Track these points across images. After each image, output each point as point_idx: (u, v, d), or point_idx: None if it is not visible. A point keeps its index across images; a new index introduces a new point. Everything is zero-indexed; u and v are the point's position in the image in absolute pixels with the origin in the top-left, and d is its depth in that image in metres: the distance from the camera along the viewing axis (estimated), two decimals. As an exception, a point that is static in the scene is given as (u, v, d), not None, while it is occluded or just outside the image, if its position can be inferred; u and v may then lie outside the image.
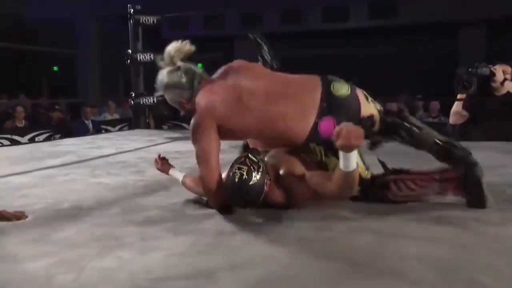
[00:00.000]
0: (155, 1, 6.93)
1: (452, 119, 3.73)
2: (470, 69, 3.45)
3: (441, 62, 9.79)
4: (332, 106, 1.92)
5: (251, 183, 1.75)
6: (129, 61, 5.96)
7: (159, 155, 2.43)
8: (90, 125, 7.73)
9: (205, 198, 2.05)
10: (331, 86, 1.96)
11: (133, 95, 6.05)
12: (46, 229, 1.80)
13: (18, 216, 1.91)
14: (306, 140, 1.94)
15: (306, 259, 1.47)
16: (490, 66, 3.53)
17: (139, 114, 6.24)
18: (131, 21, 5.97)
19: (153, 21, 6.08)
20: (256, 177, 1.76)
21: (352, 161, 1.68)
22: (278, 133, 1.95)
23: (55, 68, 14.32)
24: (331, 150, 1.90)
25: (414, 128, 2.01)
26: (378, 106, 2.06)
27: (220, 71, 2.11)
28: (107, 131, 7.20)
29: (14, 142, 5.81)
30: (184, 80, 2.02)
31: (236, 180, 1.76)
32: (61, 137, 6.11)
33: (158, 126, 7.15)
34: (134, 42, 6.00)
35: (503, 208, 1.91)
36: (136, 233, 1.74)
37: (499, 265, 1.39)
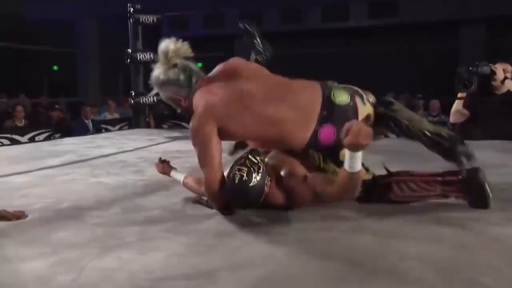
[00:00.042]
0: (155, 0, 6.93)
1: (452, 118, 3.73)
2: (470, 68, 3.45)
3: (441, 61, 9.80)
4: (332, 114, 1.91)
5: (251, 184, 1.74)
6: (129, 60, 5.95)
7: (160, 158, 2.42)
8: (90, 125, 7.73)
9: (205, 198, 2.05)
10: (332, 93, 1.95)
11: (133, 94, 6.05)
12: (46, 229, 1.80)
13: (18, 215, 1.91)
14: (306, 147, 1.92)
15: (306, 259, 1.47)
16: (491, 64, 3.53)
17: (139, 114, 6.23)
18: (131, 20, 5.97)
19: (153, 20, 6.07)
20: (256, 178, 1.75)
21: (357, 162, 1.67)
22: (277, 138, 1.94)
23: (55, 68, 14.33)
24: (330, 156, 1.91)
25: (404, 120, 2.02)
26: (372, 99, 2.05)
27: (217, 69, 2.09)
28: (107, 130, 7.19)
29: (14, 142, 5.81)
30: (182, 77, 1.99)
31: (236, 181, 1.75)
32: (61, 137, 6.11)
33: (158, 126, 7.14)
34: (134, 41, 6.00)
35: (504, 208, 1.90)
36: (136, 233, 1.74)
37: (499, 265, 1.39)
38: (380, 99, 2.08)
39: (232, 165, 1.83)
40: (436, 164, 2.25)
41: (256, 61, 3.50)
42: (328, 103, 1.93)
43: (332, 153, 1.91)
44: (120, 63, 6.76)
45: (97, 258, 1.49)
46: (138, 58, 5.94)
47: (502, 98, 3.54)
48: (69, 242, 1.66)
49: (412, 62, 10.50)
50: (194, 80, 2.00)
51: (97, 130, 7.32)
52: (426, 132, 1.99)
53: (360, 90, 2.05)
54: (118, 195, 2.35)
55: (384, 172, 2.03)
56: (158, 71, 2.02)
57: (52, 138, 6.28)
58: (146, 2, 6.17)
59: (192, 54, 2.01)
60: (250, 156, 1.81)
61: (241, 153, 2.01)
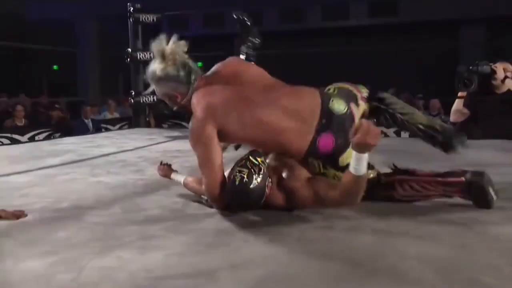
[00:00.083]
0: (155, -1, 6.93)
1: (452, 117, 3.72)
2: (471, 67, 3.45)
3: (441, 60, 9.80)
4: (331, 123, 1.91)
5: (251, 186, 1.74)
6: (129, 59, 5.95)
7: (161, 162, 2.43)
8: (90, 124, 7.73)
9: (205, 197, 2.05)
10: (330, 102, 1.94)
11: (133, 93, 6.05)
12: (46, 228, 1.80)
13: (18, 215, 1.90)
14: (305, 155, 1.92)
15: (306, 259, 1.47)
16: (491, 64, 3.52)
17: (139, 113, 6.23)
18: (131, 20, 5.96)
19: (153, 20, 6.07)
20: (257, 180, 1.74)
21: (363, 164, 1.67)
22: (276, 145, 1.92)
23: (55, 67, 14.33)
24: (329, 163, 1.91)
25: (398, 114, 2.05)
26: (365, 93, 2.06)
27: (216, 70, 2.05)
28: (107, 130, 7.20)
29: (14, 141, 5.81)
30: (182, 73, 1.95)
31: (237, 183, 1.74)
32: (61, 136, 6.11)
33: (158, 125, 7.15)
34: (134, 40, 5.99)
35: (504, 207, 1.90)
36: (136, 232, 1.74)
37: (500, 264, 1.38)
38: (373, 94, 2.09)
39: (233, 166, 1.81)
40: (436, 164, 2.25)
41: (247, 57, 3.50)
42: (327, 112, 1.92)
43: (331, 159, 1.91)
44: (120, 62, 6.76)
45: (97, 258, 1.49)
46: (138, 57, 5.94)
47: (502, 97, 3.54)
48: (69, 241, 1.66)
49: (412, 61, 10.51)
50: (193, 77, 1.97)
51: (97, 129, 7.32)
52: (420, 126, 2.05)
53: (354, 89, 2.05)
54: (118, 194, 2.35)
55: (386, 170, 2.03)
56: (156, 66, 1.96)
57: (52, 137, 6.29)
58: (146, 1, 6.16)
59: (186, 55, 1.97)
60: (251, 158, 1.80)
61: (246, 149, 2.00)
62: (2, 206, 1.93)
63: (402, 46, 10.81)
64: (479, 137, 3.58)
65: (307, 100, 1.96)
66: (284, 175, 1.91)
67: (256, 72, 2.06)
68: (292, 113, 1.90)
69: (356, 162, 1.68)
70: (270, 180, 1.82)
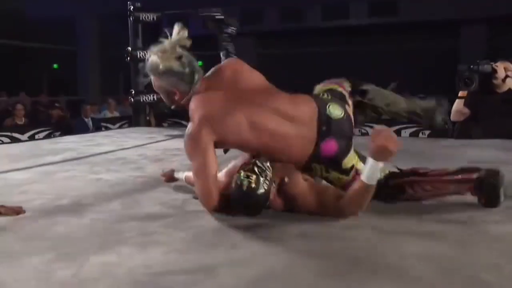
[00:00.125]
0: (155, -2, 6.92)
1: (453, 117, 3.72)
2: (471, 66, 3.44)
3: (442, 60, 9.80)
4: (331, 129, 1.89)
5: (259, 192, 1.71)
6: (129, 58, 5.94)
7: (162, 170, 2.45)
8: (90, 123, 7.73)
9: None
10: (327, 108, 1.93)
11: (133, 92, 6.04)
12: (46, 224, 1.80)
13: (17, 211, 1.90)
14: (308, 161, 1.91)
15: (306, 256, 1.46)
16: (492, 63, 3.52)
17: (139, 112, 6.22)
18: (131, 19, 5.95)
19: (153, 18, 6.06)
20: (264, 186, 1.72)
21: (377, 174, 1.66)
22: (279, 152, 1.89)
23: (55, 66, 14.32)
24: (332, 167, 1.90)
25: (381, 106, 2.10)
26: (348, 86, 2.07)
27: (216, 73, 1.99)
28: (107, 128, 7.20)
29: (14, 140, 5.81)
30: (187, 70, 1.91)
31: (244, 188, 1.71)
32: (61, 135, 6.10)
33: (158, 124, 7.14)
34: (134, 39, 5.98)
35: (505, 206, 1.90)
36: (136, 228, 1.74)
37: (500, 263, 1.38)
38: (354, 88, 2.09)
39: (238, 170, 1.78)
40: (437, 163, 2.25)
41: (227, 53, 3.48)
42: (326, 118, 1.91)
43: (335, 163, 1.90)
44: (120, 61, 6.75)
45: (97, 254, 1.49)
46: (138, 56, 5.92)
47: (503, 97, 3.54)
48: (69, 237, 1.66)
49: (412, 61, 10.51)
50: (196, 77, 1.93)
51: (97, 128, 7.32)
52: (403, 113, 2.14)
53: (340, 88, 2.05)
54: (118, 191, 2.35)
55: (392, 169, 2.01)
56: (159, 59, 1.89)
57: (52, 136, 6.28)
58: (146, 0, 6.15)
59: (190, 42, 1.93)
60: (258, 162, 1.77)
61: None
62: (1, 202, 1.93)
63: (402, 45, 10.80)
64: (479, 136, 3.58)
65: (304, 107, 1.94)
66: (286, 180, 1.87)
67: (255, 77, 2.01)
68: (293, 119, 1.89)
69: (371, 171, 1.67)
70: (274, 185, 1.81)
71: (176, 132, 5.08)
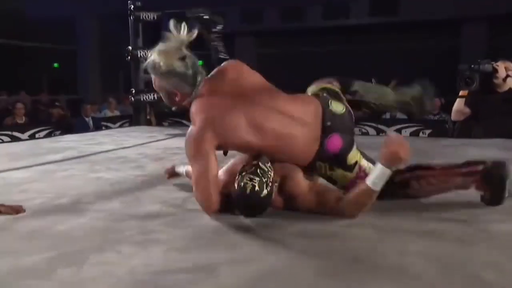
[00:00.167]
0: (155, -3, 6.91)
1: (454, 116, 3.72)
2: (472, 65, 3.44)
3: (442, 59, 9.78)
4: (335, 124, 1.91)
5: (262, 195, 1.71)
6: (129, 57, 5.94)
7: (165, 171, 2.45)
8: (91, 122, 7.72)
9: None
10: (330, 104, 1.94)
11: (134, 91, 6.04)
12: (46, 223, 1.80)
13: (17, 209, 1.90)
14: (313, 160, 1.91)
15: (306, 255, 1.46)
16: (493, 62, 3.51)
17: (139, 111, 6.22)
18: (131, 18, 5.95)
19: (154, 18, 6.05)
20: (267, 189, 1.72)
21: (384, 180, 1.66)
22: (285, 153, 1.89)
23: (56, 65, 14.31)
24: (337, 164, 1.90)
25: (372, 102, 2.13)
26: (337, 85, 2.08)
27: (218, 76, 1.97)
28: (107, 127, 7.19)
29: (14, 139, 5.81)
30: (189, 72, 1.88)
31: (248, 191, 1.70)
32: (61, 134, 6.10)
33: (159, 123, 7.13)
34: (135, 38, 5.97)
35: (505, 205, 1.90)
36: (136, 227, 1.74)
37: (500, 261, 1.38)
38: (343, 91, 2.09)
39: (240, 171, 1.77)
40: (437, 161, 2.24)
41: (217, 52, 3.48)
42: (330, 114, 1.92)
43: (339, 160, 1.90)
44: (120, 60, 6.75)
45: (97, 252, 1.49)
46: (139, 55, 5.92)
47: (504, 96, 3.53)
48: (69, 236, 1.66)
49: (413, 60, 10.48)
50: (199, 79, 1.90)
51: (97, 127, 7.31)
52: (394, 105, 2.18)
53: (334, 87, 2.05)
54: (118, 190, 2.35)
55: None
56: (162, 58, 1.86)
57: (52, 135, 6.28)
58: (146, -1, 6.15)
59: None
60: (260, 164, 1.76)
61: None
62: (1, 201, 1.93)
63: (403, 45, 10.79)
64: (480, 136, 3.58)
65: (308, 105, 1.94)
66: (285, 180, 1.87)
67: (256, 78, 2.00)
68: (297, 119, 1.89)
69: (378, 177, 1.67)
70: (276, 186, 1.81)
71: (176, 131, 5.08)
